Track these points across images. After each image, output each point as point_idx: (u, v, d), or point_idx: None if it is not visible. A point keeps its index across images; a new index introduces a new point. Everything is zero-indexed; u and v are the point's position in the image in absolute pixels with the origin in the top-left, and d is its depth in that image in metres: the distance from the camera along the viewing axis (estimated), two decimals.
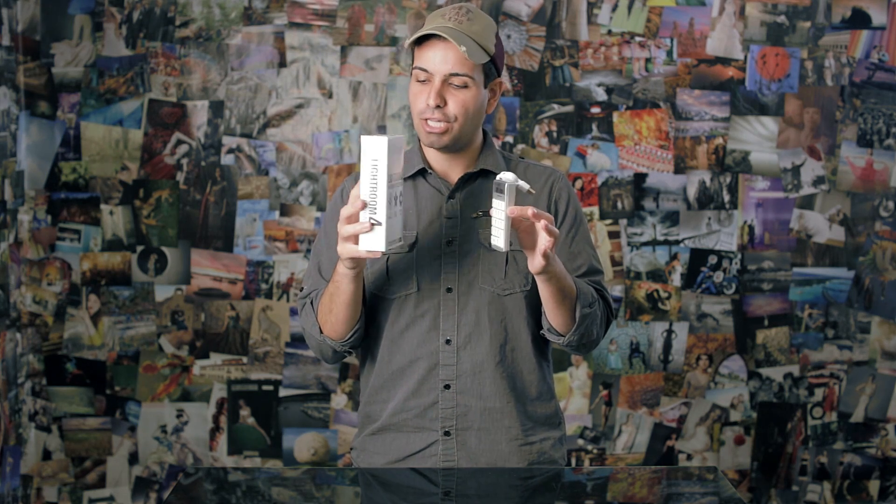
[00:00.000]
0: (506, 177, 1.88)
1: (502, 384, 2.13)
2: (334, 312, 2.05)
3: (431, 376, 2.12)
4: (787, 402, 3.41)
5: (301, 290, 2.22)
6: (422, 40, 2.05)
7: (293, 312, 3.32)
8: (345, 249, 1.92)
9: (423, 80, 2.05)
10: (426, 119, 2.06)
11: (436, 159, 2.15)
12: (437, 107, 2.04)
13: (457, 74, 2.03)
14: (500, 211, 1.90)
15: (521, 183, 1.89)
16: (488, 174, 2.15)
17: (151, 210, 3.30)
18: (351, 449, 2.27)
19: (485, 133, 2.18)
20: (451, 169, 2.15)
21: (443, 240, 2.12)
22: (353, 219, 1.89)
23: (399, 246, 1.97)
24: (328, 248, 2.18)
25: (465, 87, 2.05)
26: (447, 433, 2.13)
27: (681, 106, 3.32)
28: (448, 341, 2.10)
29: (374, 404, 2.19)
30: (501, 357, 2.12)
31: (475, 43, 2.04)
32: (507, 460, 2.14)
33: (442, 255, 2.12)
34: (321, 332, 2.10)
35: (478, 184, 2.15)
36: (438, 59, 2.03)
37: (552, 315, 2.06)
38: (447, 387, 2.12)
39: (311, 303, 2.13)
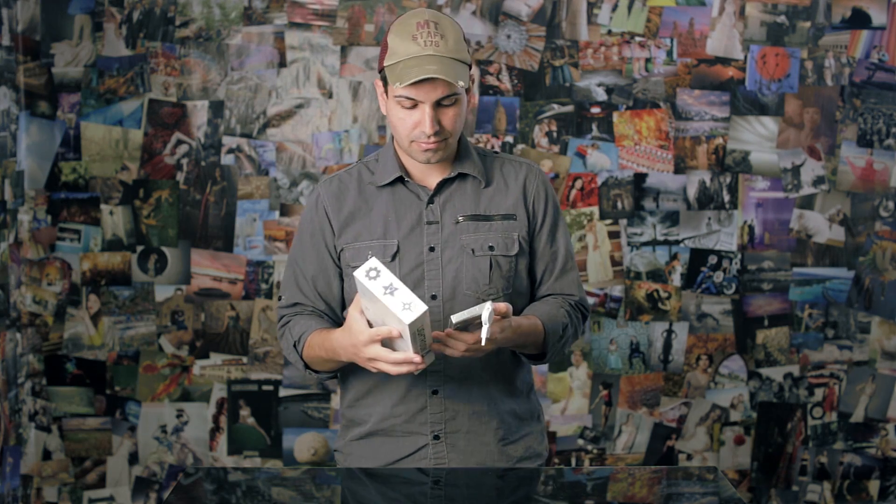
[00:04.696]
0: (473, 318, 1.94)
1: (488, 387, 2.15)
2: (327, 365, 2.12)
3: (419, 382, 2.13)
4: (787, 402, 3.41)
5: (280, 298, 2.23)
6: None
7: None
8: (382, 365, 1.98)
9: (410, 107, 2.03)
10: (419, 141, 2.05)
11: (413, 165, 2.14)
12: (435, 133, 2.03)
13: (448, 96, 2.02)
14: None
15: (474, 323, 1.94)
16: (466, 177, 2.16)
17: (151, 210, 3.30)
18: (335, 451, 2.28)
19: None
20: (428, 174, 2.15)
21: (425, 246, 2.12)
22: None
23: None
24: (304, 259, 2.19)
25: (456, 102, 2.04)
26: (437, 437, 2.14)
27: (681, 106, 3.32)
28: None
29: (360, 408, 2.19)
30: (487, 360, 2.12)
31: (457, 62, 2.02)
32: (496, 459, 2.16)
33: (424, 261, 2.12)
34: (306, 367, 2.16)
35: (455, 187, 2.15)
36: (428, 90, 2.00)
37: (522, 353, 2.16)
38: (435, 392, 2.13)
39: (295, 345, 2.14)
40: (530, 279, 2.21)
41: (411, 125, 2.04)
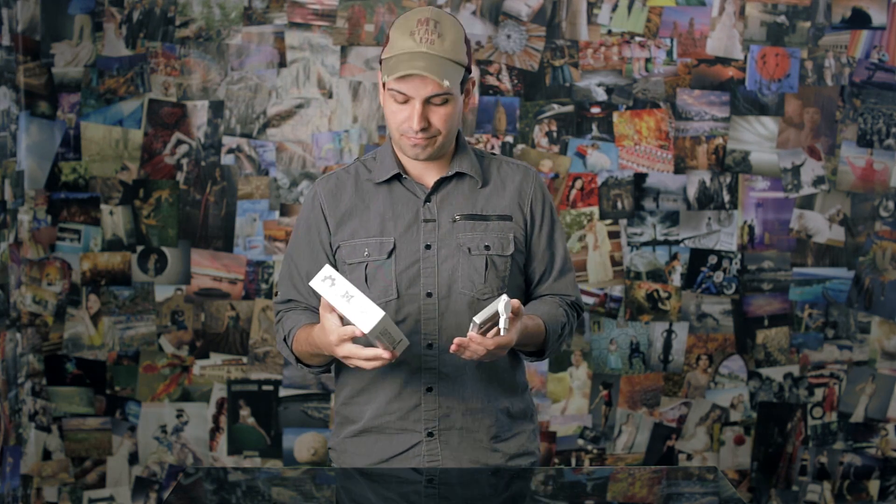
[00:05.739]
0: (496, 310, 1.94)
1: (482, 385, 2.16)
2: (316, 360, 2.13)
3: (413, 380, 2.14)
4: (787, 402, 3.41)
5: (276, 294, 2.24)
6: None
7: None
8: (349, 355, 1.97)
9: (402, 102, 2.05)
10: (407, 135, 2.07)
11: (411, 163, 2.16)
12: (422, 129, 2.04)
13: (438, 95, 2.03)
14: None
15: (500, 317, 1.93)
16: (463, 176, 2.17)
17: (151, 210, 3.30)
18: (329, 449, 2.28)
19: (458, 134, 2.18)
20: (425, 172, 2.16)
21: (421, 244, 2.13)
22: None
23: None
24: (299, 256, 2.21)
25: (446, 102, 2.05)
26: (430, 434, 2.14)
27: (681, 106, 3.32)
28: (430, 345, 2.12)
29: (354, 406, 2.20)
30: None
31: (450, 62, 2.03)
32: (489, 457, 2.17)
33: (420, 259, 2.13)
34: (298, 361, 2.17)
35: (453, 186, 2.17)
36: (417, 86, 2.02)
37: (522, 351, 2.18)
38: (429, 389, 2.14)
39: (285, 339, 2.16)
40: (525, 279, 2.23)
41: (401, 119, 2.06)
